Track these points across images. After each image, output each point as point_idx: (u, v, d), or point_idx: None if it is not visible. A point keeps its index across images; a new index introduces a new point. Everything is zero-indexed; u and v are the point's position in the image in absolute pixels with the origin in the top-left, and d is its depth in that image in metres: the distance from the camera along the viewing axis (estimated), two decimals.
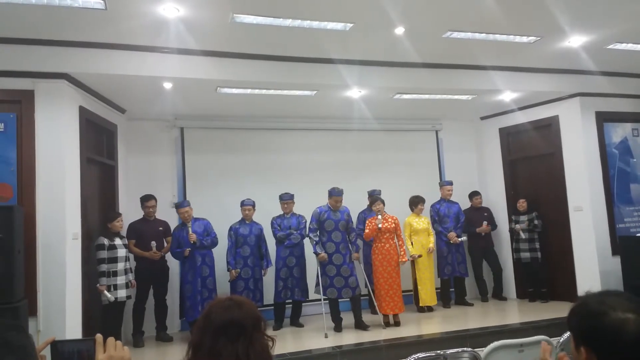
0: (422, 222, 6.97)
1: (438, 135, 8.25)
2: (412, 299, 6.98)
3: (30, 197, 4.77)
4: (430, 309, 6.87)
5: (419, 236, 6.90)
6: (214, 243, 6.14)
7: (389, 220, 6.24)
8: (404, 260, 6.26)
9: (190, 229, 5.94)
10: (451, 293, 7.36)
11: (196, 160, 7.01)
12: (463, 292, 7.33)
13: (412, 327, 6.05)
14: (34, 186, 4.79)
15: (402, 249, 6.26)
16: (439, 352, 2.80)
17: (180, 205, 6.10)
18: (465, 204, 7.66)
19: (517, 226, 7.26)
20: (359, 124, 7.45)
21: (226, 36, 5.04)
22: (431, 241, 6.95)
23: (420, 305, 6.77)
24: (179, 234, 6.03)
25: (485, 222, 7.43)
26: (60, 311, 4.68)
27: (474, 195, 7.71)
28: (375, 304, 6.19)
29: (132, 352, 5.61)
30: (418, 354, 2.75)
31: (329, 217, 6.10)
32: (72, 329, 4.83)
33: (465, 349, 2.89)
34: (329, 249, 6.02)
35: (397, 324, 6.09)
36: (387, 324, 6.05)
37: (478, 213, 7.57)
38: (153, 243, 5.93)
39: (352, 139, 7.55)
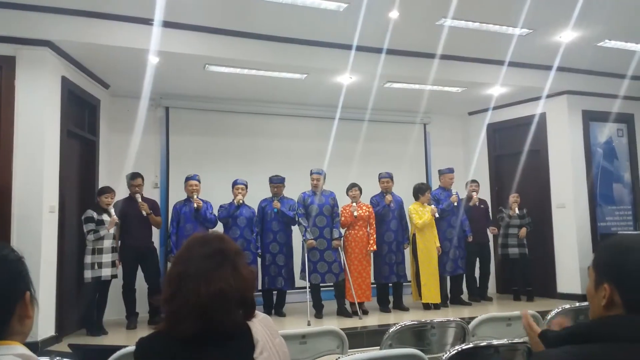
0: (428, 212, 6.39)
1: (426, 128, 8.24)
2: (411, 293, 6.64)
3: (6, 167, 4.61)
4: (436, 306, 6.37)
5: (424, 232, 6.40)
6: (215, 221, 6.04)
7: (364, 208, 6.22)
8: (372, 248, 6.17)
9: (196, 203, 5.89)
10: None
11: (181, 141, 6.88)
12: (460, 291, 6.83)
13: (394, 315, 6.03)
14: (11, 156, 4.63)
15: (372, 238, 6.20)
16: (426, 320, 2.76)
17: (191, 177, 6.02)
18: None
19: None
20: (348, 112, 7.37)
21: (217, 11, 4.93)
22: (434, 211, 6.36)
23: (423, 302, 6.33)
24: (180, 208, 5.97)
25: (474, 193, 6.98)
26: (34, 285, 4.51)
27: (469, 183, 7.21)
28: (354, 291, 6.02)
29: (124, 334, 5.39)
30: (405, 322, 2.70)
31: (312, 202, 6.03)
32: (46, 303, 4.69)
33: (451, 318, 2.85)
34: (313, 233, 5.95)
35: (365, 312, 6.02)
36: (355, 313, 5.90)
37: (474, 206, 7.07)
38: (138, 195, 5.72)
39: (340, 128, 7.44)
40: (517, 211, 7.00)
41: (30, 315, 1.17)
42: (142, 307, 5.77)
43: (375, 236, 6.22)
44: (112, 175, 6.21)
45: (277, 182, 6.25)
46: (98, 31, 4.95)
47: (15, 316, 1.14)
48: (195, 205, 5.86)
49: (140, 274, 5.78)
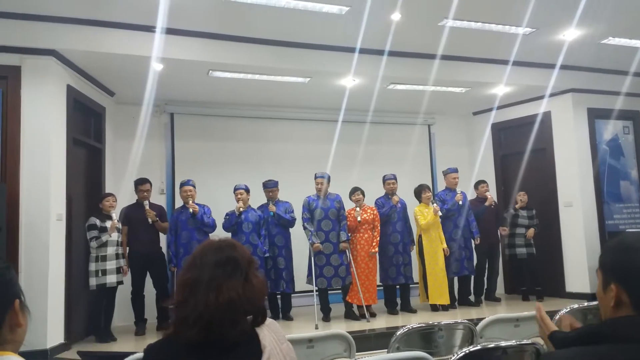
0: (430, 213, 6.33)
1: (430, 129, 8.23)
2: (418, 295, 6.63)
3: (14, 176, 4.64)
4: (444, 308, 6.31)
5: (429, 233, 6.34)
6: (214, 225, 5.90)
7: (368, 211, 6.21)
8: (374, 250, 6.12)
9: (191, 209, 5.74)
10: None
11: (186, 147, 6.91)
12: (467, 292, 6.78)
13: (402, 317, 6.01)
14: (18, 165, 4.67)
15: (375, 240, 6.18)
16: (433, 322, 2.75)
17: (185, 183, 5.89)
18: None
19: (504, 229, 6.97)
20: (352, 115, 7.38)
21: (219, 17, 4.96)
22: (436, 209, 6.31)
23: (430, 303, 6.30)
24: (177, 216, 5.86)
25: (488, 193, 6.93)
26: (42, 292, 4.56)
27: (479, 183, 7.15)
28: (361, 294, 5.98)
29: (133, 340, 5.39)
30: (413, 324, 2.70)
31: (317, 206, 6.02)
32: (54, 311, 4.72)
33: (459, 320, 2.84)
34: (319, 237, 5.94)
35: (372, 315, 6.00)
36: (362, 316, 5.90)
37: (482, 204, 6.97)
38: (146, 202, 5.74)
39: (344, 130, 7.44)
40: (520, 202, 6.93)
41: (21, 324, 1.15)
42: (151, 313, 5.77)
43: (378, 238, 6.18)
44: (118, 182, 6.26)
45: (271, 187, 6.20)
46: (102, 39, 4.98)
47: (6, 325, 1.12)
48: (190, 210, 5.76)
49: (149, 280, 5.79)
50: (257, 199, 6.33)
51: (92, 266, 5.25)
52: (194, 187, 5.93)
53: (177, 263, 5.72)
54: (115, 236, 5.38)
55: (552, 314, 3.52)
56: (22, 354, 1.17)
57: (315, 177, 6.16)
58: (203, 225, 5.82)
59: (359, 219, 6.08)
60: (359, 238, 6.15)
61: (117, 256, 5.39)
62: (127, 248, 5.68)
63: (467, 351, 2.23)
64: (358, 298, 5.99)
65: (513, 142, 7.80)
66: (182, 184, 5.93)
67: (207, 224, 5.83)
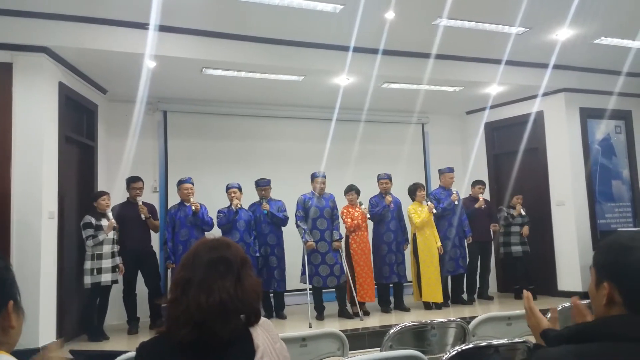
0: (425, 210, 6.40)
1: (424, 128, 8.24)
2: (412, 293, 6.67)
3: (5, 174, 4.61)
4: (438, 306, 6.35)
5: (424, 231, 6.39)
6: (212, 223, 5.93)
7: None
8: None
9: (192, 206, 5.78)
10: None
11: (179, 145, 6.88)
12: (460, 290, 6.80)
13: (395, 316, 6.03)
14: (10, 163, 4.64)
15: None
16: (426, 321, 2.76)
17: (185, 181, 5.87)
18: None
19: (495, 226, 7.01)
20: (346, 114, 7.37)
21: (213, 14, 4.94)
22: (431, 207, 6.37)
23: (423, 300, 6.36)
24: (174, 213, 5.84)
25: (481, 195, 6.96)
26: (34, 291, 4.53)
27: (476, 184, 7.14)
28: (355, 293, 5.99)
29: (125, 339, 5.36)
30: (405, 323, 2.71)
31: (313, 204, 6.02)
32: (46, 309, 4.70)
33: (452, 318, 2.85)
34: (314, 236, 5.95)
35: (366, 313, 6.01)
36: (356, 315, 5.89)
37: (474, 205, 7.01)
38: (139, 199, 5.72)
39: (338, 129, 7.45)
40: (522, 212, 7.00)
41: (13, 326, 1.13)
42: (143, 311, 5.74)
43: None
44: (111, 180, 6.23)
45: (264, 185, 6.19)
46: (94, 36, 4.95)
47: None
48: (193, 208, 5.78)
49: (140, 279, 5.76)
50: (249, 197, 6.31)
51: (88, 264, 5.21)
52: (193, 184, 5.93)
53: (176, 260, 5.71)
54: (111, 234, 5.35)
55: (544, 312, 3.55)
56: (13, 353, 1.16)
57: (316, 176, 6.13)
58: (203, 224, 5.85)
59: (368, 215, 6.20)
60: (360, 236, 6.16)
61: (112, 254, 5.36)
62: (118, 246, 5.65)
63: (460, 349, 2.24)
64: (360, 296, 5.99)
65: (506, 141, 7.83)
66: (182, 182, 5.90)
67: (207, 222, 5.88)
